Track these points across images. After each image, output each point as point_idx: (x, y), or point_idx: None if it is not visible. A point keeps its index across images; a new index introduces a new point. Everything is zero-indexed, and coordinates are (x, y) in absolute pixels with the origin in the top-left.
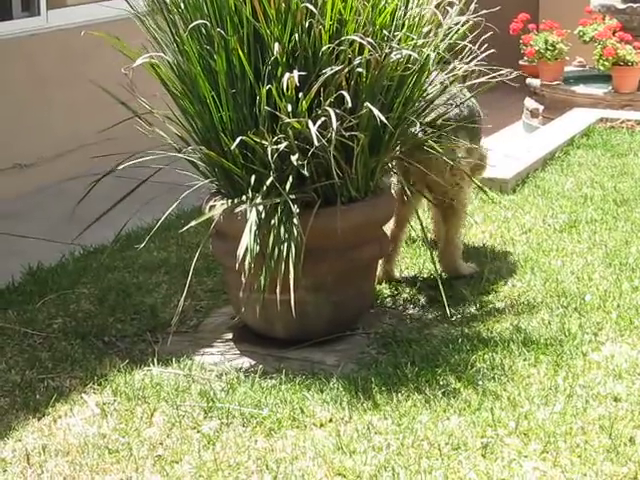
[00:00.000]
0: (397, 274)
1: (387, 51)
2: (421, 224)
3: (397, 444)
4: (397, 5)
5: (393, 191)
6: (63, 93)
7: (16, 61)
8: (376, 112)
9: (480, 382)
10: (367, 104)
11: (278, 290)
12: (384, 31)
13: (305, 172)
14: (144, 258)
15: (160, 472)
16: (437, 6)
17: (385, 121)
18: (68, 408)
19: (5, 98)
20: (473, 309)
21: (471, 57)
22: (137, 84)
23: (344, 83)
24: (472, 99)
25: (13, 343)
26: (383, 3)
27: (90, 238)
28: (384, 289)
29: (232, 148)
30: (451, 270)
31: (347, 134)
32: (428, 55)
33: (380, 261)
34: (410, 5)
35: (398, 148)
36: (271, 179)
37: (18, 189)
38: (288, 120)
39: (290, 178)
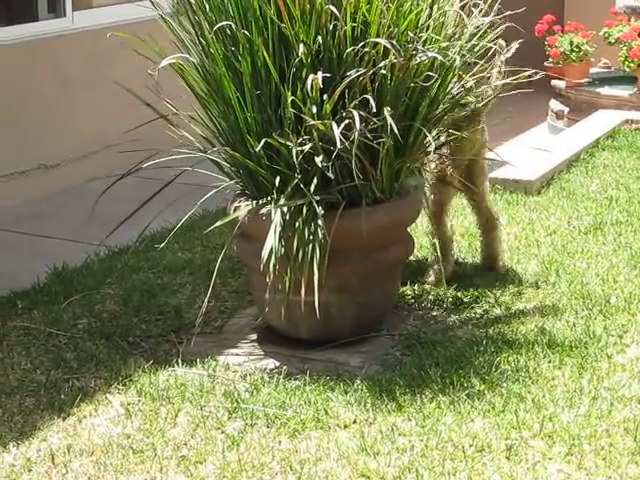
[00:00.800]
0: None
1: (412, 53)
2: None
3: (421, 446)
4: (421, 7)
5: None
6: (88, 94)
7: (42, 62)
8: (390, 121)
9: (504, 384)
10: (385, 110)
11: (302, 291)
12: (409, 33)
13: (329, 174)
14: (168, 259)
15: (184, 472)
16: (462, 7)
17: (396, 131)
18: (93, 408)
19: (30, 99)
20: (497, 311)
21: (496, 58)
22: (162, 85)
23: (368, 85)
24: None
25: (38, 343)
26: (408, 5)
27: (115, 239)
28: (408, 290)
29: (257, 149)
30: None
31: (371, 136)
32: (454, 58)
33: (436, 266)
34: (435, 7)
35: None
36: (296, 180)
37: (43, 190)
38: (313, 122)
39: (315, 179)
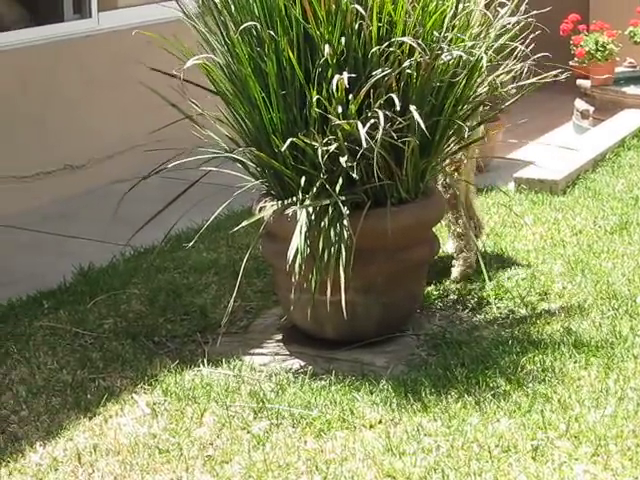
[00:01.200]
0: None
1: (437, 52)
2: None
3: (447, 446)
4: (447, 6)
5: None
6: (113, 95)
7: (67, 63)
8: (418, 118)
9: (530, 384)
10: (412, 108)
11: (328, 291)
12: (434, 33)
13: (354, 174)
14: (194, 259)
15: (210, 472)
16: (487, 7)
17: (424, 129)
18: (119, 408)
19: (56, 100)
20: (523, 311)
21: (522, 58)
22: (187, 86)
23: (394, 85)
24: None
25: (64, 343)
26: (434, 5)
27: (140, 239)
28: (433, 290)
29: (283, 149)
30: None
31: (397, 136)
32: (480, 56)
33: (461, 261)
34: (460, 6)
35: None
36: (321, 180)
37: (69, 190)
38: (338, 122)
39: (340, 179)
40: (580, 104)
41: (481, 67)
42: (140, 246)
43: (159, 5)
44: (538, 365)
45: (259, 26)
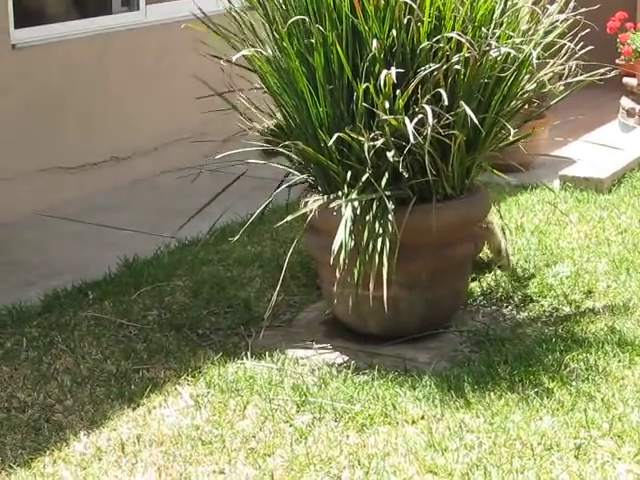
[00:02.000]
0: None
1: (485, 49)
2: (501, 217)
3: (489, 443)
4: (495, 2)
5: None
6: (160, 87)
7: (115, 55)
8: (469, 112)
9: (574, 383)
10: (462, 103)
11: (371, 286)
12: (482, 29)
13: (401, 169)
14: (238, 252)
15: (252, 465)
16: (536, 3)
17: (477, 122)
18: (162, 399)
19: (104, 92)
20: (567, 309)
21: (569, 55)
22: (234, 79)
23: (441, 80)
24: None
25: (109, 334)
26: (483, 1)
27: (185, 231)
28: (476, 287)
29: (329, 144)
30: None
31: (444, 132)
32: (530, 53)
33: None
34: (509, 3)
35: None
36: (367, 175)
37: (114, 182)
38: (385, 117)
39: (386, 174)
40: (626, 102)
41: (529, 64)
42: (185, 238)
43: None
44: (582, 363)
45: (307, 20)
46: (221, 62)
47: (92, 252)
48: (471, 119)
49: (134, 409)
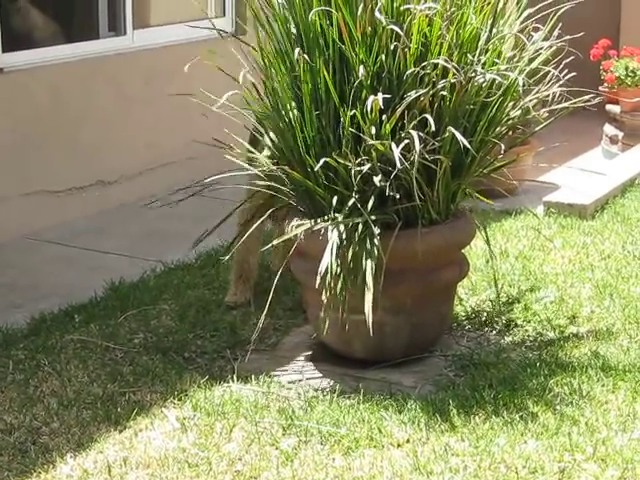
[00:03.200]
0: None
1: (471, 75)
2: (488, 242)
3: (474, 466)
4: (479, 29)
5: None
6: (146, 112)
7: (102, 80)
8: (459, 136)
9: (558, 407)
10: (450, 128)
11: (357, 310)
12: (468, 55)
13: (388, 193)
14: (223, 276)
15: None
16: (521, 31)
17: (468, 145)
18: (149, 422)
19: (90, 116)
20: (551, 334)
21: (553, 82)
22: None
23: (427, 106)
24: None
25: (95, 357)
26: (468, 28)
27: (170, 255)
28: (461, 312)
29: (316, 169)
30: None
31: (430, 157)
32: (515, 79)
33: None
34: (494, 30)
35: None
36: (353, 200)
37: (101, 205)
38: (372, 142)
39: (372, 199)
40: (609, 129)
41: (515, 90)
42: (171, 262)
43: (193, 24)
44: (566, 388)
45: (297, 50)
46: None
47: (78, 275)
48: (459, 143)
49: (120, 432)
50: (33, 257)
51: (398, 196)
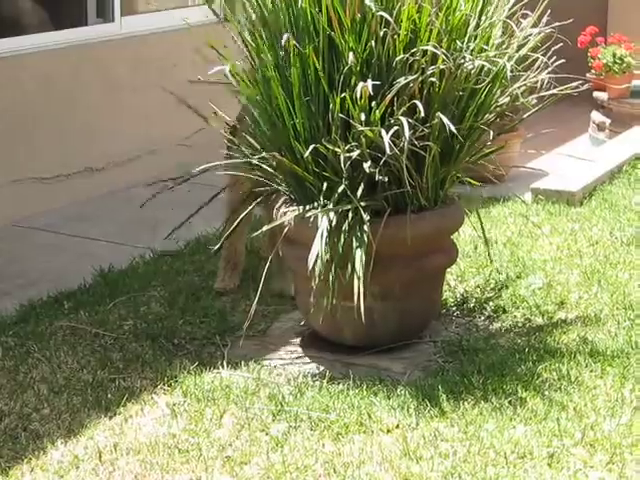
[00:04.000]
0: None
1: (460, 61)
2: (483, 230)
3: (463, 451)
4: (468, 15)
5: None
6: (135, 99)
7: (90, 67)
8: (447, 122)
9: (546, 392)
10: (439, 114)
11: (347, 296)
12: (457, 42)
13: (378, 178)
14: (213, 262)
15: (229, 473)
16: (510, 17)
17: (455, 132)
18: (139, 408)
19: (79, 103)
20: (539, 320)
21: (542, 69)
22: (209, 91)
23: (417, 92)
24: None
25: (85, 343)
26: (457, 14)
27: (160, 242)
28: (450, 298)
29: (305, 155)
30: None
31: (419, 143)
32: (504, 66)
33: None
34: (483, 17)
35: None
36: (343, 186)
37: (89, 192)
38: (361, 128)
39: (361, 186)
40: (597, 116)
41: (503, 76)
42: (160, 249)
43: (181, 10)
44: (554, 373)
45: (285, 35)
46: (198, 77)
47: (67, 262)
48: (446, 131)
49: (111, 418)
50: (22, 244)
51: (385, 183)
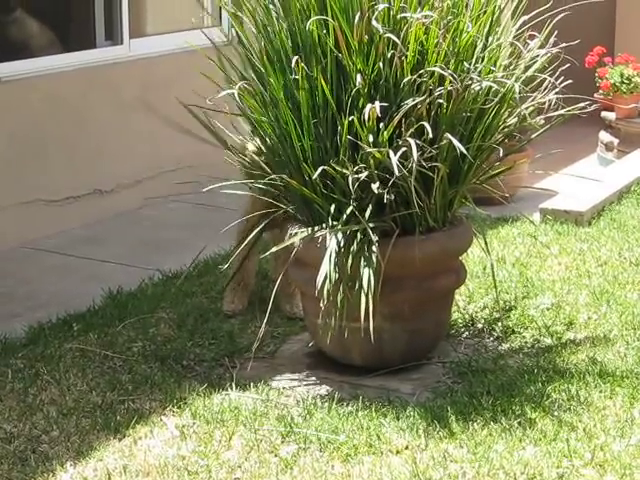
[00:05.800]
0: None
1: (468, 82)
2: (488, 252)
3: (473, 472)
4: (475, 37)
5: None
6: (143, 121)
7: (98, 89)
8: (456, 143)
9: (556, 413)
10: (447, 135)
11: (355, 317)
12: (465, 63)
13: (387, 197)
14: (221, 284)
15: None
16: (517, 38)
17: (465, 152)
18: (148, 430)
19: (88, 125)
20: (548, 340)
21: (549, 89)
22: (216, 113)
23: (424, 114)
24: None
25: (94, 365)
26: (464, 35)
27: (168, 264)
28: (459, 319)
29: (314, 177)
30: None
31: (427, 164)
32: (512, 87)
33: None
34: (490, 38)
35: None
36: (351, 208)
37: (98, 214)
38: (369, 150)
39: (369, 207)
40: (605, 136)
41: (511, 97)
42: (168, 271)
43: (189, 33)
44: (563, 394)
45: (294, 58)
46: (207, 100)
47: (76, 284)
48: (456, 150)
49: (120, 440)
50: (31, 266)
51: (394, 204)
